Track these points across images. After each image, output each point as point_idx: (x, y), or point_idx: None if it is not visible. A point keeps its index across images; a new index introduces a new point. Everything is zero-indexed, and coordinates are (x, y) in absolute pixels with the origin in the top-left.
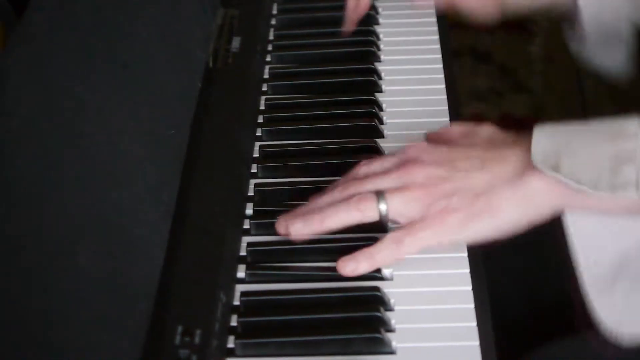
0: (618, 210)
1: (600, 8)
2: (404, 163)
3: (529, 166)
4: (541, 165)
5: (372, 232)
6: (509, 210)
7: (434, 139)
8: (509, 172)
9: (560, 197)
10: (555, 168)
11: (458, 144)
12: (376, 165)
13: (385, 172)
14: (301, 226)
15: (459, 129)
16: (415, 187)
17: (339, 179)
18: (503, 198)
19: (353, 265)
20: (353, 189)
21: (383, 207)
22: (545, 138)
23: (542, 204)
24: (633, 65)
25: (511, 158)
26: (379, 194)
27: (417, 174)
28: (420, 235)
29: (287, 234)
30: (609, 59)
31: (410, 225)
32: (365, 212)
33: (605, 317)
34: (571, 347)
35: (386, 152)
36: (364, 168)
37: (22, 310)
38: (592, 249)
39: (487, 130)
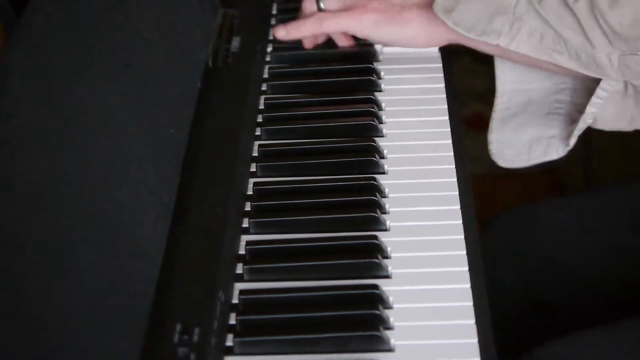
0: (490, 52)
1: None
2: None
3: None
4: (437, 6)
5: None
6: (414, 27)
7: None
8: (421, 1)
9: (448, 32)
10: (449, 11)
11: None
12: None
13: None
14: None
15: None
16: None
17: (338, 177)
18: (412, 15)
19: (283, 32)
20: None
21: (322, 3)
22: None
23: (438, 34)
24: None
25: None
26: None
27: None
28: (340, 21)
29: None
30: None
31: (335, 12)
32: (309, 8)
33: (494, 142)
34: (572, 345)
35: (386, 151)
36: None
37: (22, 310)
38: (508, 89)
39: None
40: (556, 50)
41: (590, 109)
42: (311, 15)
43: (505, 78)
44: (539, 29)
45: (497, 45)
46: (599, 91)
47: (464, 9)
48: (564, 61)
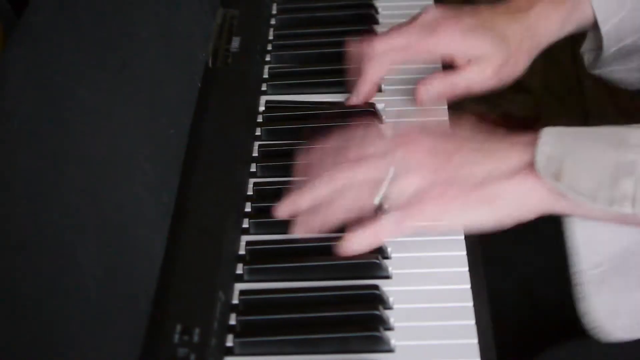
0: (611, 220)
1: (621, 30)
2: (402, 143)
3: (529, 166)
4: (543, 172)
5: None
6: (504, 204)
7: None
8: (508, 167)
9: (555, 202)
10: (557, 176)
11: (454, 135)
12: (371, 145)
13: (382, 154)
14: (304, 228)
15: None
16: (416, 168)
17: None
18: (500, 191)
19: (357, 242)
20: (349, 173)
21: (380, 197)
22: (551, 142)
23: (537, 205)
24: None
25: (512, 154)
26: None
27: (420, 154)
28: (419, 219)
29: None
30: (626, 74)
31: (410, 206)
32: (362, 207)
33: (596, 310)
34: (576, 351)
35: None
36: (355, 148)
37: (22, 310)
38: (589, 240)
39: (485, 135)
40: None
41: None
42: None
43: (584, 225)
44: None
45: (634, 215)
46: None
47: (575, 172)
48: None
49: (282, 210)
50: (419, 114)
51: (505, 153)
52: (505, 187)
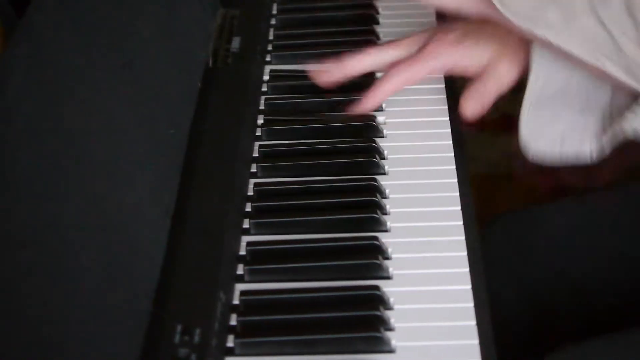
0: (532, 37)
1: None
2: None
3: None
4: None
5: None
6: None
7: None
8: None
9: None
10: None
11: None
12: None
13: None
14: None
15: None
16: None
17: (338, 178)
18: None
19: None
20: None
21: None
22: None
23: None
24: None
25: None
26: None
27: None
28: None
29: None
30: None
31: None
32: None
33: (526, 130)
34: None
35: (385, 151)
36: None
37: (22, 310)
38: (544, 74)
39: None
40: (608, 57)
41: (634, 124)
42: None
43: (543, 60)
44: (594, 31)
45: (546, 39)
46: None
47: None
48: (614, 70)
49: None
50: (418, 113)
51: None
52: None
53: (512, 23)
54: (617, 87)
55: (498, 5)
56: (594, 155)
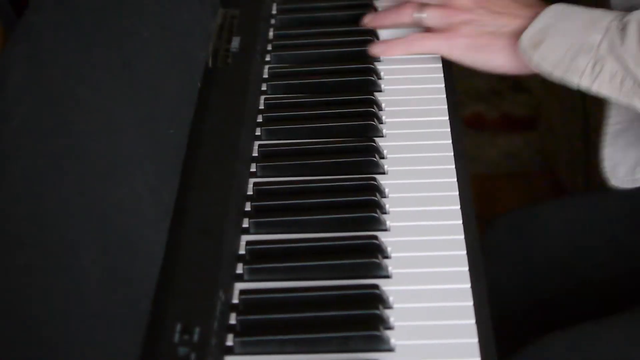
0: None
1: None
2: None
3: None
4: (522, 45)
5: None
6: (502, 57)
7: None
8: (514, 28)
9: (525, 69)
10: (536, 44)
11: None
12: None
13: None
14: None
15: None
16: (447, 8)
17: (338, 177)
18: (502, 44)
19: (383, 47)
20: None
21: (421, 15)
22: (548, 16)
23: (525, 66)
24: None
25: (521, 18)
26: (421, 8)
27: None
28: (432, 43)
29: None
30: None
31: (426, 34)
32: (405, 17)
33: (608, 158)
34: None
35: (386, 151)
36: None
37: (22, 309)
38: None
39: None
40: (636, 95)
41: None
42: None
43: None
44: (619, 72)
45: (578, 85)
46: None
47: (550, 44)
48: None
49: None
50: (418, 113)
51: (517, 16)
52: (505, 44)
53: (548, 74)
54: None
55: (537, 60)
56: None
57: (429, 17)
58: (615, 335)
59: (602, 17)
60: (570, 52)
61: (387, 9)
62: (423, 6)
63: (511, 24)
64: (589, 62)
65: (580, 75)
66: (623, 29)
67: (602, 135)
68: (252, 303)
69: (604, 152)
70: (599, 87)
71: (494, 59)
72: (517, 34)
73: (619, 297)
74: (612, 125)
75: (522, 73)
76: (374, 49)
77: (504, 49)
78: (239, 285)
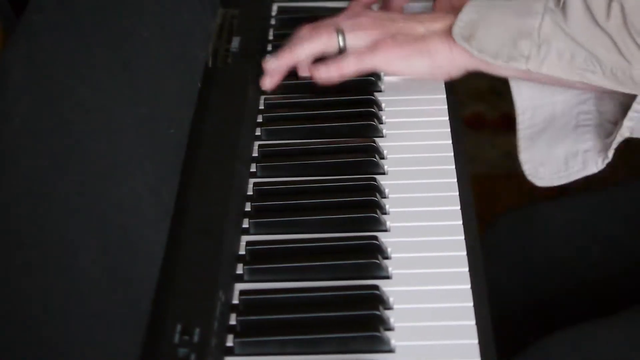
0: (518, 76)
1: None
2: (354, 15)
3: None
4: (456, 36)
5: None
6: (439, 58)
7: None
8: (441, 29)
9: (472, 60)
10: (468, 38)
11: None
12: (324, 20)
13: (338, 19)
14: (275, 60)
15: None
16: (367, 28)
17: (338, 178)
18: (437, 46)
19: (325, 71)
20: (315, 28)
21: (341, 39)
22: (472, 10)
23: (460, 64)
24: None
25: (445, 20)
26: (339, 30)
27: (367, 21)
28: (366, 61)
29: (270, 71)
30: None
31: (358, 53)
32: (327, 42)
33: (529, 161)
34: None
35: (386, 151)
36: (310, 26)
37: (22, 310)
38: (528, 106)
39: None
40: (588, 69)
41: (627, 123)
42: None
43: (523, 95)
44: (568, 49)
45: (528, 70)
46: (635, 105)
47: (484, 34)
48: (598, 80)
49: (265, 81)
50: (418, 113)
51: (437, 19)
52: (439, 44)
53: (490, 64)
54: (600, 96)
55: (474, 51)
56: (600, 166)
57: (350, 41)
58: (615, 336)
59: (531, 3)
60: (509, 40)
61: (291, 44)
62: (336, 30)
63: (436, 24)
64: (532, 45)
65: (526, 61)
66: (563, 8)
67: (517, 140)
68: (252, 304)
69: (522, 157)
70: (549, 68)
71: (434, 61)
72: (447, 31)
73: (618, 297)
74: (525, 129)
75: (455, 73)
76: (317, 72)
77: (440, 49)
78: (239, 286)
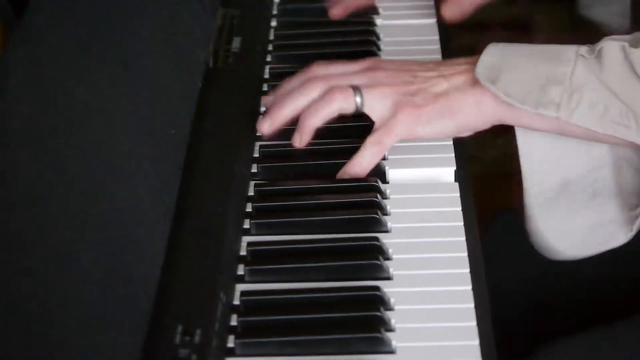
0: (545, 128)
1: None
2: (368, 68)
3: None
4: (480, 77)
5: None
6: (464, 114)
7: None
8: (463, 81)
9: (499, 109)
10: (493, 80)
11: (414, 63)
12: (338, 67)
13: (353, 73)
14: (297, 134)
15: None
16: (384, 85)
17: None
18: (460, 102)
19: (344, 173)
20: (324, 84)
21: (359, 100)
22: (494, 54)
23: (487, 113)
24: (630, 17)
25: (469, 72)
26: (355, 89)
27: (384, 76)
28: (396, 132)
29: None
30: (609, 17)
31: (383, 124)
32: (345, 104)
33: (545, 231)
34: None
35: (386, 152)
36: (321, 69)
37: (22, 310)
38: (538, 169)
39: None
40: (622, 123)
41: None
42: (334, 77)
43: (534, 157)
44: (602, 100)
45: (557, 118)
46: None
47: (510, 78)
48: (632, 136)
49: (264, 126)
50: None
51: (458, 70)
52: (462, 99)
53: (517, 110)
54: (616, 162)
55: (500, 94)
56: (627, 238)
57: (368, 101)
58: (622, 346)
59: (562, 50)
60: (537, 85)
61: (305, 110)
62: (352, 89)
63: (461, 77)
64: (564, 92)
65: (557, 108)
66: (598, 56)
67: (525, 207)
68: (253, 304)
69: (532, 226)
70: (579, 118)
71: (460, 120)
72: (473, 83)
73: (622, 298)
74: (536, 196)
75: (481, 125)
76: (340, 176)
77: (464, 105)
78: (240, 287)
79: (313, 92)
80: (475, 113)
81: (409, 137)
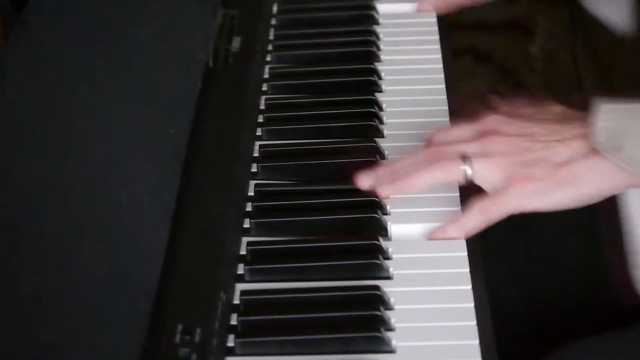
0: None
1: None
2: (485, 133)
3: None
4: (602, 148)
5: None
6: (587, 183)
7: (506, 112)
8: (582, 147)
9: (625, 177)
10: (618, 148)
11: (533, 118)
12: (454, 132)
13: (467, 139)
14: (388, 186)
15: (530, 105)
16: (499, 155)
17: (339, 178)
18: (583, 171)
19: (441, 233)
20: (436, 152)
21: (469, 170)
22: (609, 118)
23: (615, 180)
24: (635, 17)
25: (581, 135)
26: (465, 158)
27: (500, 143)
28: (506, 203)
29: (371, 190)
30: (612, 10)
31: (495, 194)
32: (449, 173)
33: None
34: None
35: (386, 152)
36: (441, 135)
37: (22, 310)
38: None
39: (556, 107)
40: None
41: None
42: (446, 145)
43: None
44: None
45: None
46: None
47: (634, 144)
48: None
49: (364, 180)
50: (418, 114)
51: (580, 135)
52: (583, 167)
53: None
54: None
55: (625, 165)
56: None
57: (478, 172)
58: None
59: None
60: None
61: (408, 169)
62: (461, 158)
63: (576, 141)
64: None
65: None
66: None
67: (631, 255)
68: (253, 304)
69: None
70: None
71: (580, 190)
72: (592, 151)
73: (621, 293)
74: None
75: (609, 193)
76: (434, 236)
77: (585, 174)
78: (239, 286)
79: (418, 165)
80: (598, 181)
81: (520, 211)
